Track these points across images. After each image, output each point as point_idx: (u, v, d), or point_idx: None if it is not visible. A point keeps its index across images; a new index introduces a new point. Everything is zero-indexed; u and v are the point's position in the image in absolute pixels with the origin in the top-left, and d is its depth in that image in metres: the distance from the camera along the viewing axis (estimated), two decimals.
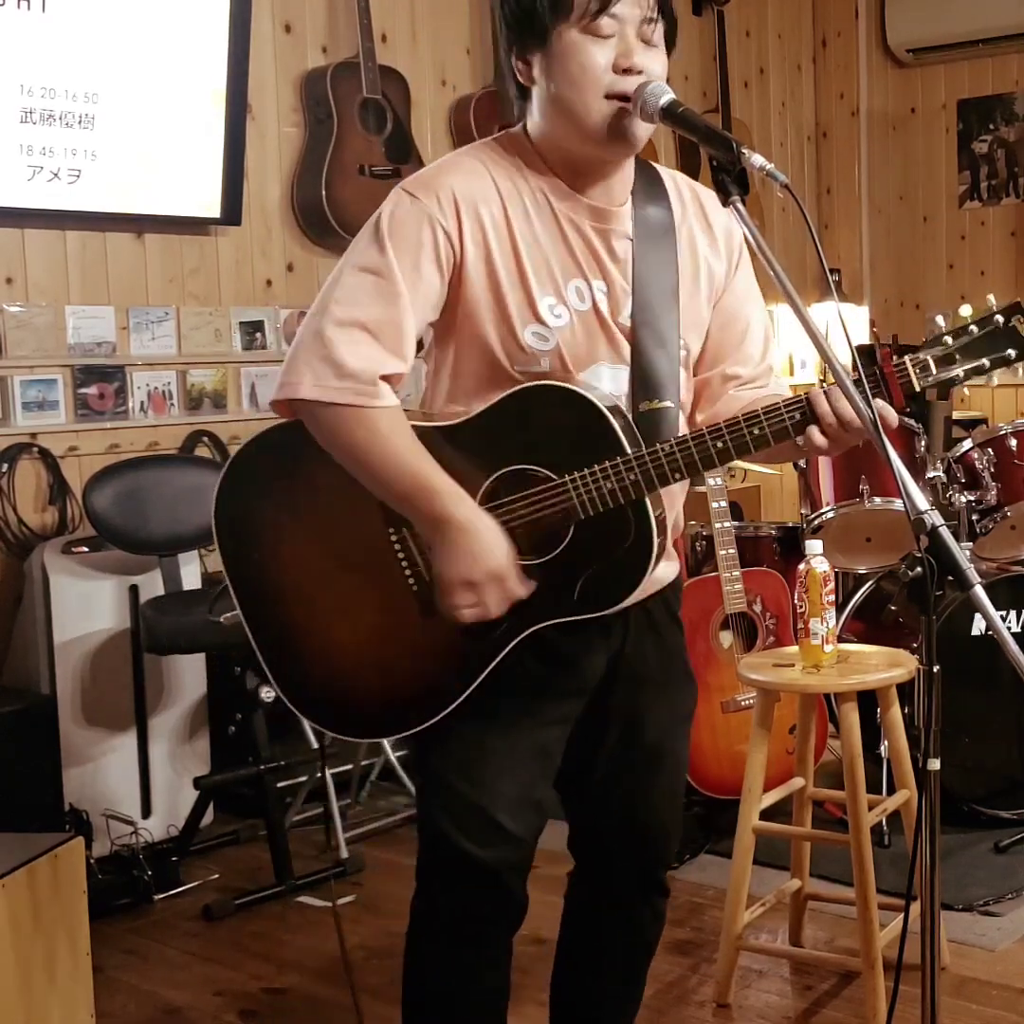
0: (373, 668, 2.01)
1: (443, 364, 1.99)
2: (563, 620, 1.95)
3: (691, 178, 2.12)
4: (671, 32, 1.91)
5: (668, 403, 1.99)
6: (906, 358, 1.83)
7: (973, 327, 1.82)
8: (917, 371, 1.84)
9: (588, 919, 2.27)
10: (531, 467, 1.90)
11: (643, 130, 1.90)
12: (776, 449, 1.91)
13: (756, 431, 1.87)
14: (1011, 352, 1.82)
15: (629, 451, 1.88)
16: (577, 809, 2.20)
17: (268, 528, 2.03)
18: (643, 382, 1.98)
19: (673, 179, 2.08)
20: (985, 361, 1.83)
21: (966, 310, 1.84)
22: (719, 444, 1.88)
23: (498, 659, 1.95)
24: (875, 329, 6.27)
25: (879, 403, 1.80)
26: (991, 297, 1.85)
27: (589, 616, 1.95)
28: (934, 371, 1.84)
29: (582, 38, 1.86)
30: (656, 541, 1.91)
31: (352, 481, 1.93)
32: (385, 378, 1.88)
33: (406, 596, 1.96)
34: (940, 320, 1.85)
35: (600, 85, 1.86)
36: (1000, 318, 1.82)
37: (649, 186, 2.03)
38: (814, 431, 1.85)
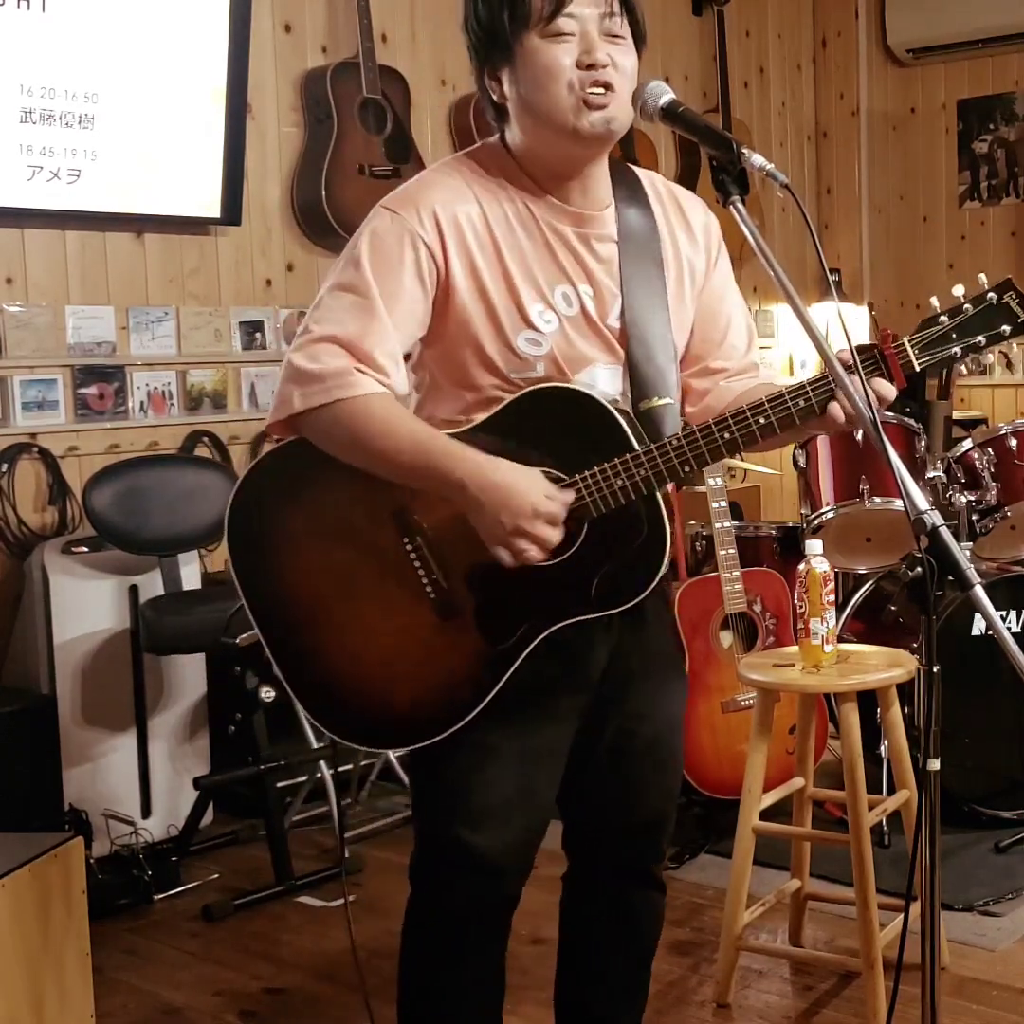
0: (396, 679, 2.00)
1: (439, 374, 2.00)
2: (581, 618, 1.96)
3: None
4: (636, 23, 1.92)
5: (668, 400, 2.02)
6: (905, 338, 1.87)
7: (968, 306, 1.85)
8: (915, 351, 1.87)
9: (585, 918, 2.27)
10: (543, 469, 1.91)
11: (618, 122, 1.91)
12: (778, 437, 1.93)
13: (762, 420, 1.90)
14: (1006, 328, 1.85)
15: (637, 447, 1.91)
16: (575, 803, 2.19)
17: (284, 542, 2.01)
18: (640, 380, 2.00)
19: (650, 179, 2.10)
20: (980, 338, 1.86)
21: (959, 290, 1.86)
22: (726, 435, 1.90)
23: (518, 662, 1.95)
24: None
25: (877, 381, 1.84)
26: (982, 276, 1.88)
27: (606, 613, 1.96)
28: (932, 350, 1.86)
29: (543, 42, 1.89)
30: (669, 537, 1.93)
31: (363, 492, 1.94)
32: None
33: (424, 605, 1.96)
34: (935, 301, 1.88)
35: (568, 82, 1.88)
36: (993, 295, 1.86)
37: (629, 188, 2.05)
38: (836, 407, 1.86)
